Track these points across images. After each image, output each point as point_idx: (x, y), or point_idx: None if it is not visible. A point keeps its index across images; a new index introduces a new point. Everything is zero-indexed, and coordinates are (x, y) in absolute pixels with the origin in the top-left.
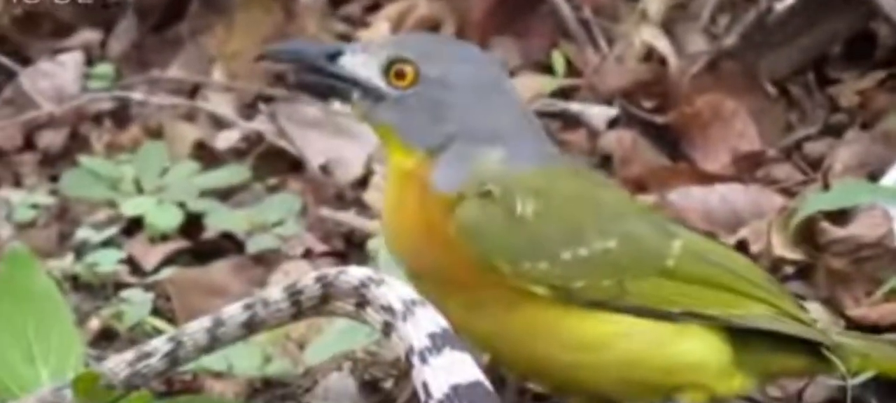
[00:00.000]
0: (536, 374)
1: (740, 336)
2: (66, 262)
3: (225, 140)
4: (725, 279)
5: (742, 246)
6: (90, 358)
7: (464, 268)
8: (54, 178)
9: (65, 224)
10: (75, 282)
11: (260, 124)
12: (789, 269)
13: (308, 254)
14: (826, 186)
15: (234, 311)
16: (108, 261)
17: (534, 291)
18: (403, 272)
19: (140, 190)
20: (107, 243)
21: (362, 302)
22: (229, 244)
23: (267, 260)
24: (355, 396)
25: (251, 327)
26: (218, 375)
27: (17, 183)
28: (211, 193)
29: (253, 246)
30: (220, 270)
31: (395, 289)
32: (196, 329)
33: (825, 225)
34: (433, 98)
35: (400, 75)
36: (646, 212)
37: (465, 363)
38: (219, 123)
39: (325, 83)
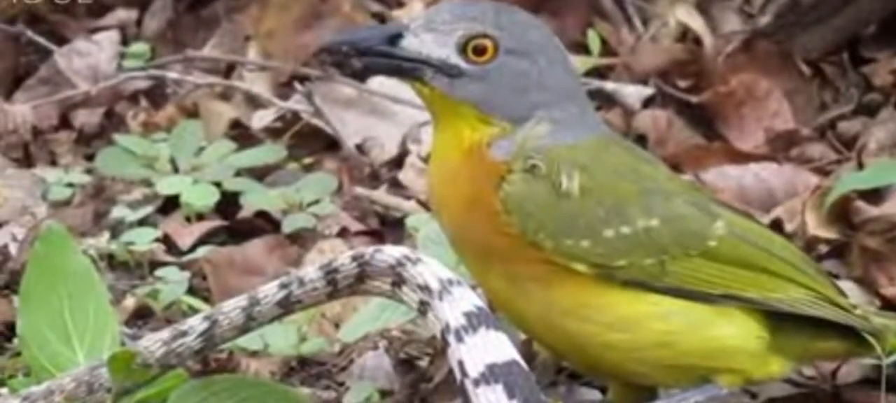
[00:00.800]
0: (573, 352)
1: (778, 320)
2: (102, 241)
3: (260, 119)
4: (765, 261)
5: (776, 226)
6: (125, 337)
7: (506, 241)
8: (90, 157)
9: (100, 203)
10: (111, 261)
11: (295, 103)
12: (823, 248)
13: (343, 233)
14: (860, 165)
15: (269, 290)
16: (143, 240)
17: (575, 268)
18: (449, 243)
19: (176, 169)
20: (142, 222)
21: (399, 282)
22: (265, 223)
23: (302, 239)
24: (390, 374)
25: (286, 306)
26: (253, 354)
27: (53, 162)
28: (247, 172)
29: (288, 226)
30: (255, 249)
31: (431, 268)
32: (232, 307)
33: (859, 204)
34: (516, 69)
35: (479, 51)
36: (689, 190)
37: (500, 342)
38: (254, 102)
39: (392, 65)
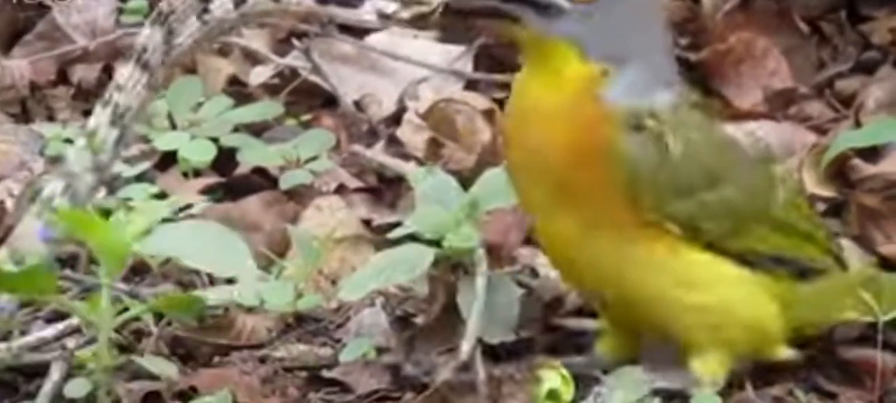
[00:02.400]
0: (631, 305)
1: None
2: (99, 196)
3: (258, 75)
4: (809, 228)
5: None
6: (122, 294)
7: (601, 191)
8: (87, 113)
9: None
10: (108, 216)
11: (293, 60)
12: (821, 206)
13: (341, 190)
14: (858, 124)
15: None
16: (140, 196)
17: (668, 228)
18: (520, 184)
19: (173, 125)
20: (140, 177)
21: None
22: (262, 179)
23: (299, 196)
24: (387, 331)
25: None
26: (249, 310)
27: (51, 117)
28: (244, 128)
29: (286, 182)
30: (252, 205)
31: None
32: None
33: (857, 162)
34: (617, 10)
35: None
36: (759, 158)
37: None
38: (252, 59)
39: (489, 6)
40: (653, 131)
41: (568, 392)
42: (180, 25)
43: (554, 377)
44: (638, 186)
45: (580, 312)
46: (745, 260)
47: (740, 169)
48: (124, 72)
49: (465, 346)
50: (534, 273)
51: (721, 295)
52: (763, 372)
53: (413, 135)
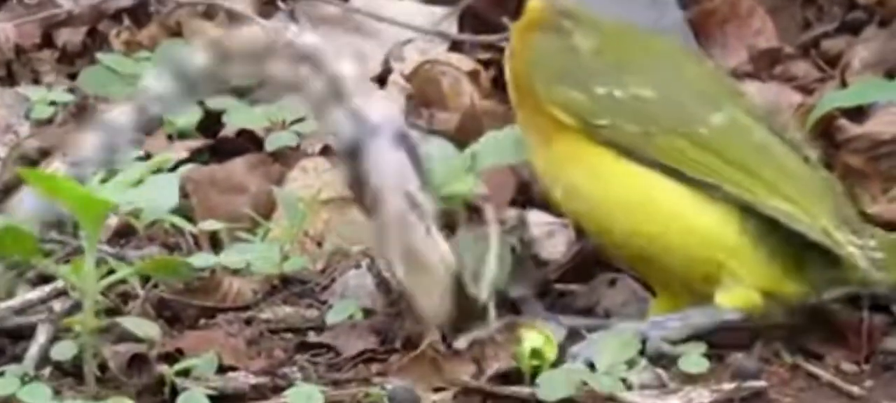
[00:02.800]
0: (574, 214)
1: (764, 230)
2: None
3: None
4: (754, 164)
5: None
6: (107, 256)
7: (517, 91)
8: (73, 76)
9: (83, 121)
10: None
11: (278, 22)
12: None
13: (326, 151)
14: (843, 84)
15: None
16: (125, 159)
17: (561, 119)
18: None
19: None
20: None
21: None
22: (247, 141)
23: (285, 157)
24: (373, 293)
25: None
26: (235, 272)
27: (36, 80)
28: (230, 91)
29: (271, 144)
30: (238, 167)
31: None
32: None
33: (842, 122)
34: None
35: None
36: (713, 85)
37: None
38: (237, 21)
39: None
40: (562, 29)
41: (551, 351)
42: None
43: (536, 336)
44: (534, 76)
45: (565, 275)
46: (663, 168)
47: (661, 80)
48: None
49: (484, 294)
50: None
51: (632, 195)
52: (748, 333)
53: (398, 95)
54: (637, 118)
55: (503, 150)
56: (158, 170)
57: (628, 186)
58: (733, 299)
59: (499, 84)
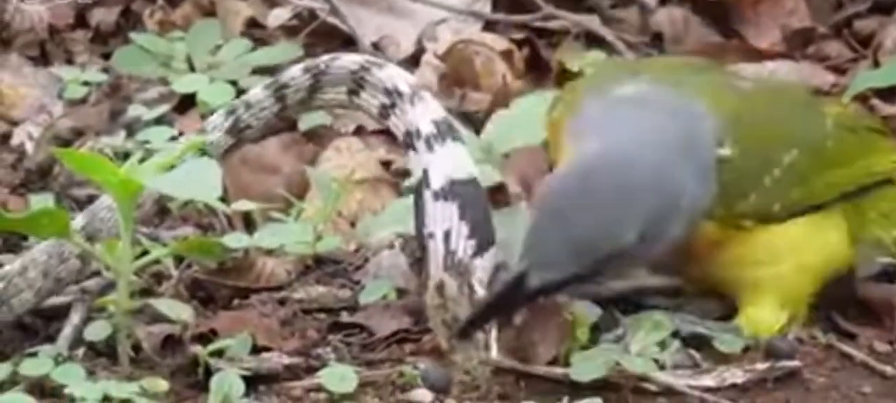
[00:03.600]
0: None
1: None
2: (118, 140)
3: (277, 17)
4: (869, 144)
5: None
6: (142, 236)
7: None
8: (106, 56)
9: (116, 101)
10: (126, 160)
11: (312, 1)
12: None
13: (360, 131)
14: (876, 63)
15: (216, 120)
16: (159, 138)
17: (743, 225)
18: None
19: (192, 67)
20: (159, 120)
21: (356, 89)
22: (281, 121)
23: (318, 137)
24: (407, 273)
25: (236, 133)
26: (269, 252)
27: (69, 60)
28: (263, 71)
29: (304, 124)
30: (271, 147)
31: (400, 73)
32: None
33: (875, 102)
34: None
35: None
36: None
37: (462, 155)
38: (271, 1)
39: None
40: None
41: (583, 333)
42: None
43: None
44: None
45: None
46: (814, 207)
47: (794, 125)
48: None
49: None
50: None
51: (794, 259)
52: None
53: (431, 75)
54: (795, 180)
55: (520, 132)
56: (195, 152)
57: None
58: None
59: (531, 64)
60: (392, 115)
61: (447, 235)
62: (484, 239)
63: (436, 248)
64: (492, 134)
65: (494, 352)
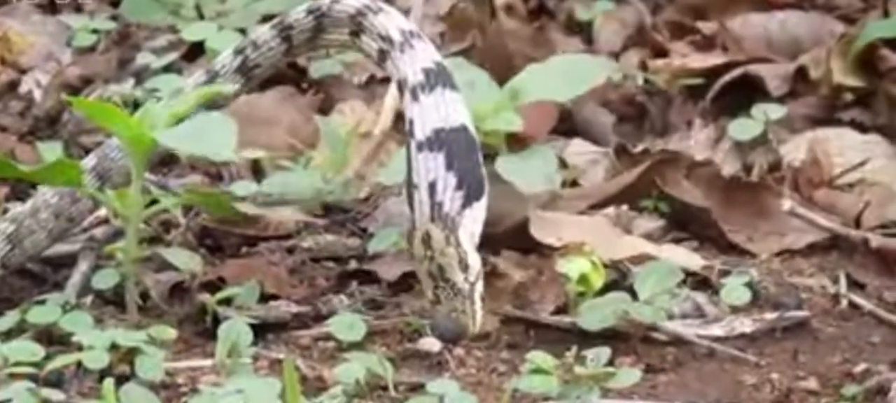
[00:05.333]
0: None
1: None
2: (126, 88)
3: None
4: None
5: (801, 73)
6: (150, 184)
7: None
8: (115, 3)
9: (125, 49)
10: (135, 107)
11: None
12: (849, 96)
13: (370, 81)
14: (886, 13)
15: (225, 60)
16: (168, 86)
17: None
18: None
19: (201, 15)
20: (167, 68)
21: (358, 31)
22: (291, 70)
23: (328, 86)
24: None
25: (245, 71)
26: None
27: (78, 8)
28: (271, 19)
29: (315, 72)
30: (280, 96)
31: (393, 19)
32: (192, 84)
33: (885, 52)
34: None
35: None
36: None
37: (453, 103)
38: None
39: None
40: None
41: (598, 278)
42: None
43: (584, 263)
44: None
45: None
46: None
47: None
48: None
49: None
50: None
51: None
52: (790, 257)
53: (431, 28)
54: None
55: (546, 85)
56: (208, 104)
57: None
58: None
59: (534, 14)
60: (388, 61)
61: (433, 186)
62: (473, 191)
63: (421, 199)
64: (520, 83)
65: (478, 305)
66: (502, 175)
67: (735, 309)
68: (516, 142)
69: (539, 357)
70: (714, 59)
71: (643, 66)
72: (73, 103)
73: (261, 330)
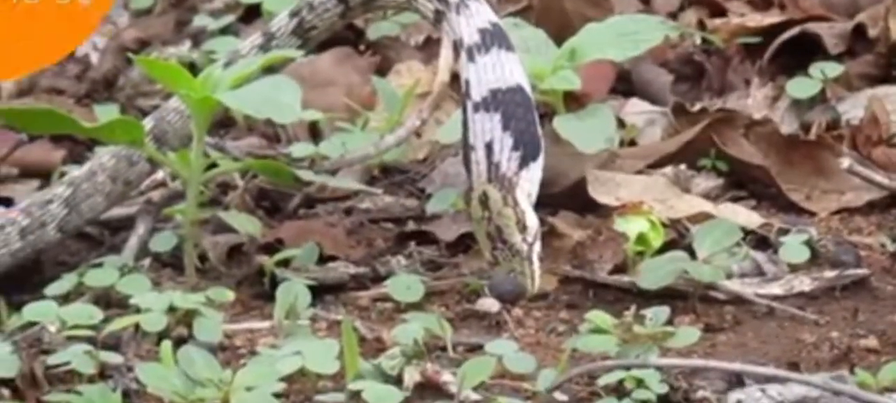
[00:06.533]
0: None
1: None
2: (184, 49)
3: None
4: None
5: (859, 31)
6: (208, 146)
7: None
8: None
9: (182, 11)
10: (192, 70)
11: None
12: None
13: (427, 42)
14: None
15: (281, 22)
16: (225, 49)
17: None
18: None
19: None
20: (224, 31)
21: None
22: (349, 31)
23: (386, 48)
24: None
25: (301, 33)
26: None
27: None
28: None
29: (372, 33)
30: (338, 57)
31: None
32: (249, 47)
33: None
34: None
35: None
36: None
37: (510, 64)
38: None
39: None
40: None
41: (657, 238)
42: None
43: (643, 222)
44: None
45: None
46: None
47: None
48: None
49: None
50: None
51: None
52: (848, 215)
53: None
54: None
55: (604, 45)
56: (272, 68)
57: None
58: None
59: None
60: (444, 22)
61: (489, 147)
62: (530, 151)
63: (477, 160)
64: (578, 42)
65: (536, 265)
66: (560, 134)
67: (794, 268)
68: (574, 102)
69: (598, 316)
70: (772, 17)
71: (701, 25)
72: (139, 62)
73: (319, 292)
